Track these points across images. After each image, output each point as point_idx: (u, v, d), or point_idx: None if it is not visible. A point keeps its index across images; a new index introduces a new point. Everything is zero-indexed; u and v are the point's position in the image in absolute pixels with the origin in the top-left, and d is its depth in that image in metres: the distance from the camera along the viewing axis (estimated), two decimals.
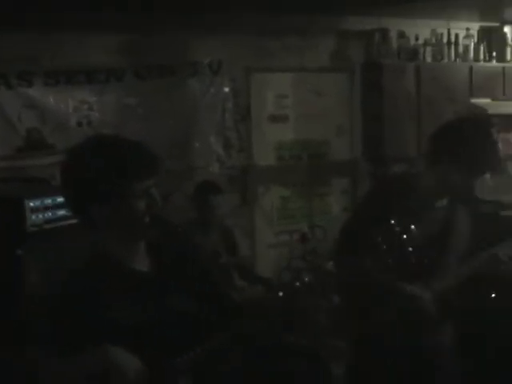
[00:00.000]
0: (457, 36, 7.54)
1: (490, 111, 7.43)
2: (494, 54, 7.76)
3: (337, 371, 4.56)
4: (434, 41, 7.50)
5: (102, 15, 5.81)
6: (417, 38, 7.40)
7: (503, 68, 7.70)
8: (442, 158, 3.41)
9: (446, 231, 3.48)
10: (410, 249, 3.14)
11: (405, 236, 3.27)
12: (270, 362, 4.25)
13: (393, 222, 3.28)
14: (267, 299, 2.52)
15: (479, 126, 3.51)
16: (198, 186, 5.67)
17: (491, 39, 7.81)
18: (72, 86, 6.13)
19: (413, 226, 3.26)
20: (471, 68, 7.55)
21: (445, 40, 7.51)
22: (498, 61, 7.77)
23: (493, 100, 7.64)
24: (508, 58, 7.82)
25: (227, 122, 6.87)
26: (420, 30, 7.43)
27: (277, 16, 6.50)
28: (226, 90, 6.82)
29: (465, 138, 3.37)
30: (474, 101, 7.52)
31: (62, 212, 4.85)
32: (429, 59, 7.46)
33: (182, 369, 2.27)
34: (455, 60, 7.58)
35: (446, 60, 7.53)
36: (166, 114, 6.45)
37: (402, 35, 7.36)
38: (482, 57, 7.70)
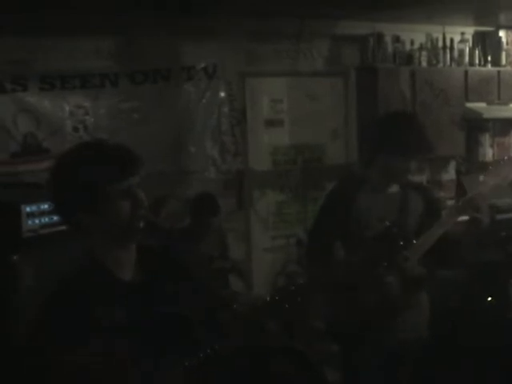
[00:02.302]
0: (452, 40, 7.56)
1: (485, 115, 7.45)
2: (489, 58, 7.78)
3: (332, 376, 4.57)
4: (429, 45, 7.51)
5: (96, 19, 5.81)
6: (412, 43, 7.42)
7: (498, 72, 7.72)
8: (376, 151, 3.78)
9: (404, 215, 3.75)
10: (401, 243, 3.56)
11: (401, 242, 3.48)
12: (262, 365, 4.25)
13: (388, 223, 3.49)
14: (262, 303, 2.53)
15: (401, 117, 3.90)
16: (197, 202, 5.61)
17: (486, 43, 7.83)
18: (67, 91, 6.13)
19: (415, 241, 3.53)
20: (466, 72, 7.57)
21: (440, 44, 7.53)
22: (492, 65, 7.79)
23: (488, 104, 7.66)
24: (503, 62, 7.83)
25: (223, 127, 6.86)
26: (415, 34, 7.45)
27: (271, 20, 6.51)
28: (222, 94, 6.82)
29: (390, 129, 3.74)
30: (469, 105, 7.54)
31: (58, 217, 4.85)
32: (424, 63, 7.46)
33: (177, 373, 2.28)
34: (450, 64, 7.59)
35: (441, 64, 7.55)
36: (162, 118, 6.45)
37: (397, 40, 7.38)
38: (477, 61, 7.71)
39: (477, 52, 7.71)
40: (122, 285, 2.36)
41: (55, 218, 4.88)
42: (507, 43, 7.92)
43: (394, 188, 3.82)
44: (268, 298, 2.47)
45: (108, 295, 2.29)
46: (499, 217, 6.95)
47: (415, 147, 3.66)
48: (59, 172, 2.34)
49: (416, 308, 3.74)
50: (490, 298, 5.77)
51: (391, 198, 3.78)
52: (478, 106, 7.58)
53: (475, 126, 7.69)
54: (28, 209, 4.82)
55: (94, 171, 2.27)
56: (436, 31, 7.51)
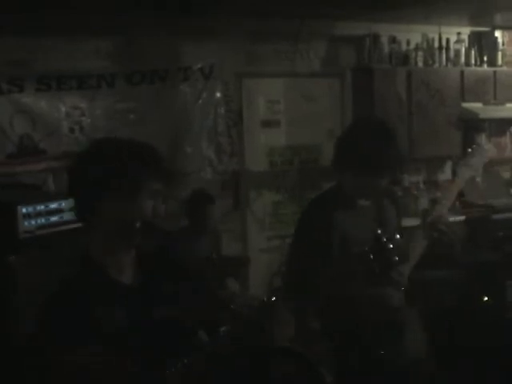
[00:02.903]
0: (448, 41, 7.56)
1: (481, 115, 7.46)
2: (485, 58, 7.79)
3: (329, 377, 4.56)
4: (425, 45, 7.52)
5: (93, 20, 5.81)
6: (408, 43, 7.43)
7: (494, 72, 7.73)
8: (341, 166, 3.54)
9: (382, 228, 3.48)
10: (391, 245, 3.36)
11: (391, 245, 3.36)
12: (260, 366, 4.25)
13: (379, 231, 3.37)
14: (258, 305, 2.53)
15: (363, 129, 3.59)
16: (192, 195, 5.67)
17: (482, 44, 7.84)
18: (63, 92, 6.12)
19: (398, 236, 3.40)
20: (462, 72, 7.58)
21: (436, 45, 7.53)
22: (488, 65, 7.80)
23: (484, 104, 7.67)
24: (499, 62, 7.85)
25: (219, 127, 6.86)
26: (411, 34, 7.45)
27: (268, 21, 6.51)
28: (218, 94, 6.82)
29: (352, 144, 3.46)
30: (465, 105, 7.54)
31: (54, 218, 4.87)
32: (420, 64, 7.47)
33: (174, 376, 2.28)
34: (446, 64, 7.60)
35: (437, 64, 7.55)
36: (158, 119, 6.44)
37: (393, 40, 7.39)
38: (473, 61, 7.72)
39: (473, 52, 7.72)
40: (121, 287, 2.37)
41: (51, 218, 4.90)
42: (503, 43, 7.94)
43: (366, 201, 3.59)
44: (265, 299, 2.47)
45: (107, 297, 2.29)
46: (496, 217, 6.97)
47: (381, 164, 3.39)
48: (78, 165, 2.35)
49: (402, 329, 3.55)
50: (486, 298, 5.78)
51: (367, 211, 3.56)
52: (474, 106, 7.59)
53: (471, 126, 7.70)
54: (24, 210, 4.81)
55: (129, 165, 2.29)
56: (432, 31, 7.51)
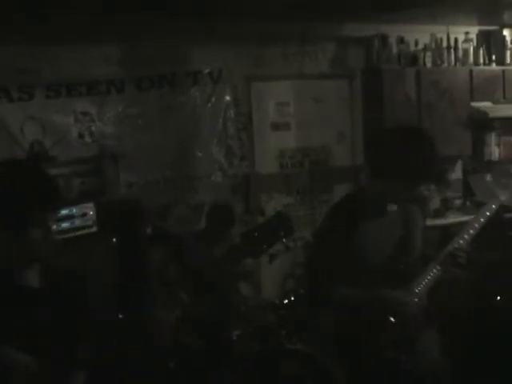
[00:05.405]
0: (456, 40, 7.55)
1: (491, 115, 7.44)
2: (494, 57, 7.77)
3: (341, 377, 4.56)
4: (433, 45, 7.51)
5: (101, 26, 5.82)
6: (416, 43, 7.43)
7: (503, 71, 7.71)
8: (378, 172, 3.40)
9: (406, 232, 3.48)
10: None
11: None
12: (271, 366, 4.26)
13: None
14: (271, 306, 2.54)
15: (408, 138, 3.38)
16: (213, 211, 5.58)
17: (490, 42, 7.82)
18: (73, 98, 6.15)
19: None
20: (471, 72, 7.56)
21: (444, 44, 7.52)
22: (497, 64, 7.78)
23: (493, 103, 7.64)
24: (508, 60, 7.82)
25: (229, 131, 6.87)
26: (419, 35, 7.44)
27: (276, 24, 6.51)
28: (228, 98, 6.83)
29: (393, 152, 3.32)
30: (474, 104, 7.53)
31: (66, 224, 4.88)
32: (429, 64, 7.46)
33: None
34: (455, 64, 7.58)
35: (445, 64, 7.54)
36: (168, 124, 6.46)
37: (401, 41, 7.38)
38: (481, 60, 7.70)
39: (481, 51, 7.70)
40: (22, 288, 2.46)
41: (63, 225, 4.91)
42: (511, 42, 7.92)
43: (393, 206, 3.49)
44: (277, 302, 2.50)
45: (9, 295, 2.40)
46: (507, 216, 6.94)
47: (423, 175, 3.31)
48: None
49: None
50: (498, 298, 5.77)
51: (392, 218, 3.47)
52: (484, 105, 7.58)
53: (481, 126, 7.68)
54: None
55: (15, 198, 2.35)
56: (440, 31, 7.50)
